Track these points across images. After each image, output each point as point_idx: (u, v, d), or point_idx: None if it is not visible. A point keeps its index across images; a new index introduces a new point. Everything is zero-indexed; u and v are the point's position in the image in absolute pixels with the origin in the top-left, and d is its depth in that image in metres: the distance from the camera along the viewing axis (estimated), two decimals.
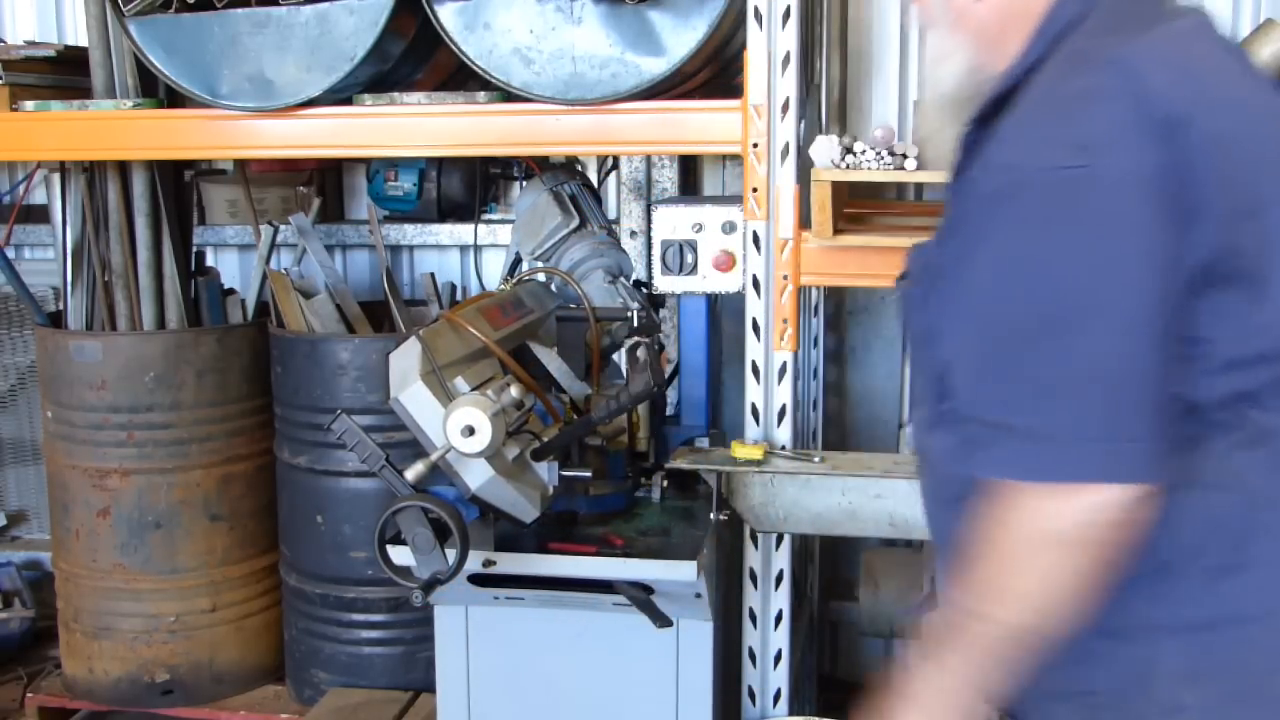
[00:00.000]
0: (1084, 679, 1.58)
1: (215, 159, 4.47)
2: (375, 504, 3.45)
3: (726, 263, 2.99)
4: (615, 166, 4.21)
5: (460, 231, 4.45)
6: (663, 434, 3.07)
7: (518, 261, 3.43)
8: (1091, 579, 1.48)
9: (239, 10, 3.06)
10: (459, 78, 3.37)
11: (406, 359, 2.42)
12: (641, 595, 2.62)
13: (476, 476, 2.37)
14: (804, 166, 2.82)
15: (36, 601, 4.49)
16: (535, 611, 2.79)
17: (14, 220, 4.45)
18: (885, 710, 1.65)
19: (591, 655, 2.80)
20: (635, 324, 2.87)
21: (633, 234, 4.20)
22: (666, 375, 3.34)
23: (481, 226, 4.38)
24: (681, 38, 2.87)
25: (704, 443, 3.00)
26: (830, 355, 4.36)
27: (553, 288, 3.19)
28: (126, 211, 3.67)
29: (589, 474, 2.63)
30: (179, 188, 3.82)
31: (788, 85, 2.83)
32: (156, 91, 3.43)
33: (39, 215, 4.36)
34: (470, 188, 4.42)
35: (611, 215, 4.24)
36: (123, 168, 3.64)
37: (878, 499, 2.72)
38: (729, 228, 2.99)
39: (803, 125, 2.90)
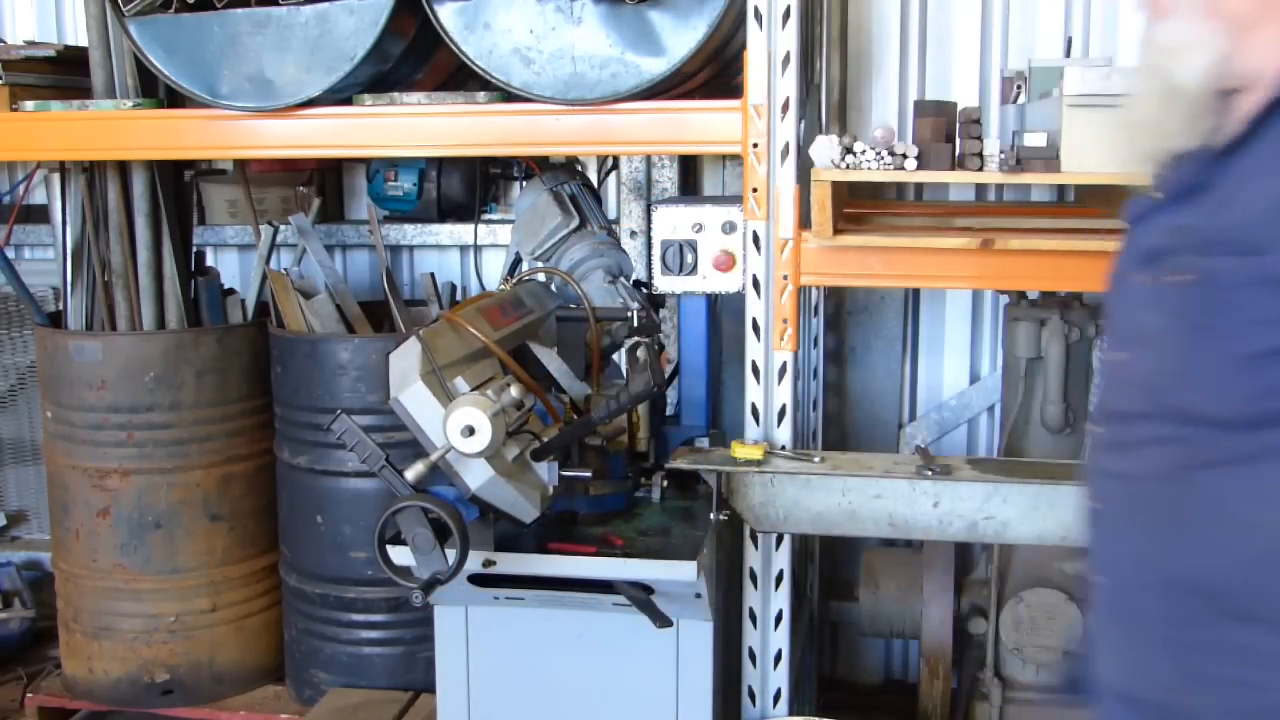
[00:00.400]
0: None
1: (215, 159, 4.47)
2: (375, 504, 3.44)
3: (726, 263, 2.99)
4: (615, 166, 4.21)
5: (460, 231, 4.45)
6: (663, 434, 3.07)
7: (518, 261, 3.43)
8: None
9: (239, 10, 3.06)
10: (459, 78, 3.37)
11: (406, 359, 2.42)
12: (641, 595, 2.62)
13: (476, 476, 2.37)
14: (804, 166, 2.82)
15: (36, 601, 4.49)
16: (535, 611, 2.79)
17: (14, 220, 4.45)
18: None
19: (591, 655, 2.80)
20: (635, 324, 2.87)
21: (633, 234, 4.20)
22: (666, 375, 3.34)
23: (481, 226, 4.38)
24: (681, 38, 2.87)
25: (704, 443, 3.00)
26: (830, 355, 4.36)
27: (553, 288, 3.19)
28: (126, 211, 3.67)
29: (589, 474, 2.63)
30: (179, 188, 3.82)
31: (788, 85, 2.83)
32: (156, 91, 3.43)
33: (39, 215, 4.36)
34: (470, 188, 4.42)
35: (611, 215, 4.24)
36: (123, 168, 3.64)
37: (878, 499, 2.72)
38: (729, 228, 2.99)
39: (803, 125, 2.90)
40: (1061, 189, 4.04)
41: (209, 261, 4.42)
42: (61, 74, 3.56)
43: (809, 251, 2.87)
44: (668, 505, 2.94)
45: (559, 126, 2.99)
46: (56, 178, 3.75)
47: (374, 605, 3.65)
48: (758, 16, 2.81)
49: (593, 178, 3.95)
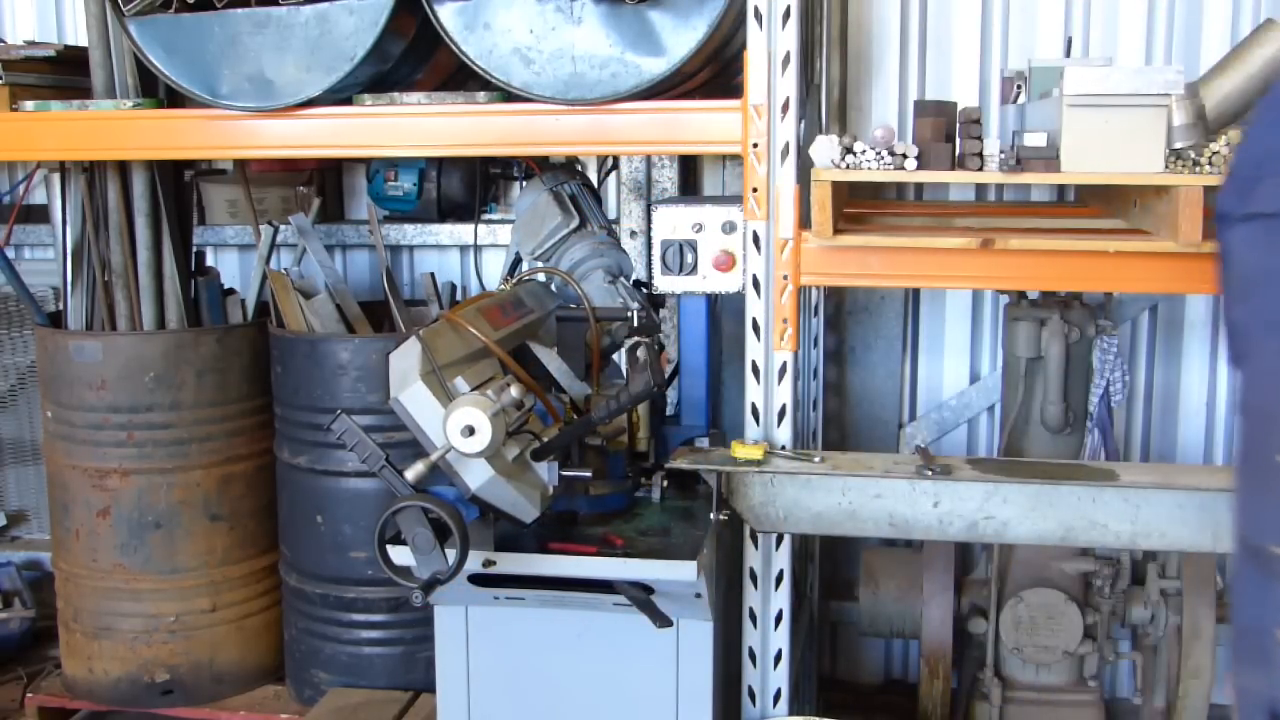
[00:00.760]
0: None
1: (215, 159, 4.47)
2: (375, 504, 3.45)
3: (726, 263, 2.99)
4: (615, 166, 4.21)
5: (460, 231, 4.45)
6: (663, 434, 3.07)
7: (518, 261, 3.43)
8: None
9: (239, 10, 3.06)
10: (459, 78, 3.37)
11: (406, 359, 2.42)
12: (641, 595, 2.62)
13: (476, 476, 2.37)
14: (804, 166, 2.82)
15: (36, 601, 4.50)
16: (535, 611, 2.79)
17: (14, 220, 4.45)
18: None
19: (591, 655, 2.80)
20: (635, 324, 2.87)
21: (633, 234, 4.21)
22: (666, 375, 3.34)
23: (481, 226, 4.38)
24: (681, 38, 2.87)
25: (704, 443, 3.00)
26: (830, 355, 4.36)
27: (553, 288, 3.19)
28: (126, 211, 3.67)
29: (589, 474, 2.63)
30: (179, 188, 3.82)
31: (788, 85, 2.83)
32: (156, 91, 3.43)
33: (39, 215, 4.37)
34: (470, 188, 4.42)
35: (611, 215, 4.24)
36: (123, 168, 3.64)
37: (878, 499, 2.73)
38: (729, 228, 2.99)
39: (803, 125, 2.90)
40: (1061, 189, 4.04)
41: (209, 261, 4.42)
42: (61, 74, 3.56)
43: (809, 251, 2.87)
44: (668, 505, 2.94)
45: (559, 126, 2.99)
46: (56, 178, 3.75)
47: (374, 605, 3.65)
48: (758, 16, 2.81)
49: (593, 178, 3.95)
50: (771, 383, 2.93)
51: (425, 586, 2.30)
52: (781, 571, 2.98)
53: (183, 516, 3.74)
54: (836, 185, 2.78)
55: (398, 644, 3.68)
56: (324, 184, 4.69)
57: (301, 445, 3.66)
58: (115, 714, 3.94)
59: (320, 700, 3.64)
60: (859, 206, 3.65)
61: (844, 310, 4.34)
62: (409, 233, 4.51)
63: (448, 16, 2.97)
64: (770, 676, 3.01)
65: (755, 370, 2.93)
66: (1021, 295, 3.56)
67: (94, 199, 3.67)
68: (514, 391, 2.41)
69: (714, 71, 3.23)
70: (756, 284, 2.91)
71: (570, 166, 3.68)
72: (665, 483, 2.97)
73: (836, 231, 2.82)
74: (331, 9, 3.00)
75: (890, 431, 4.37)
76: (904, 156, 2.74)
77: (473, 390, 2.41)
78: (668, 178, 4.22)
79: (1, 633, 4.37)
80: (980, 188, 4.20)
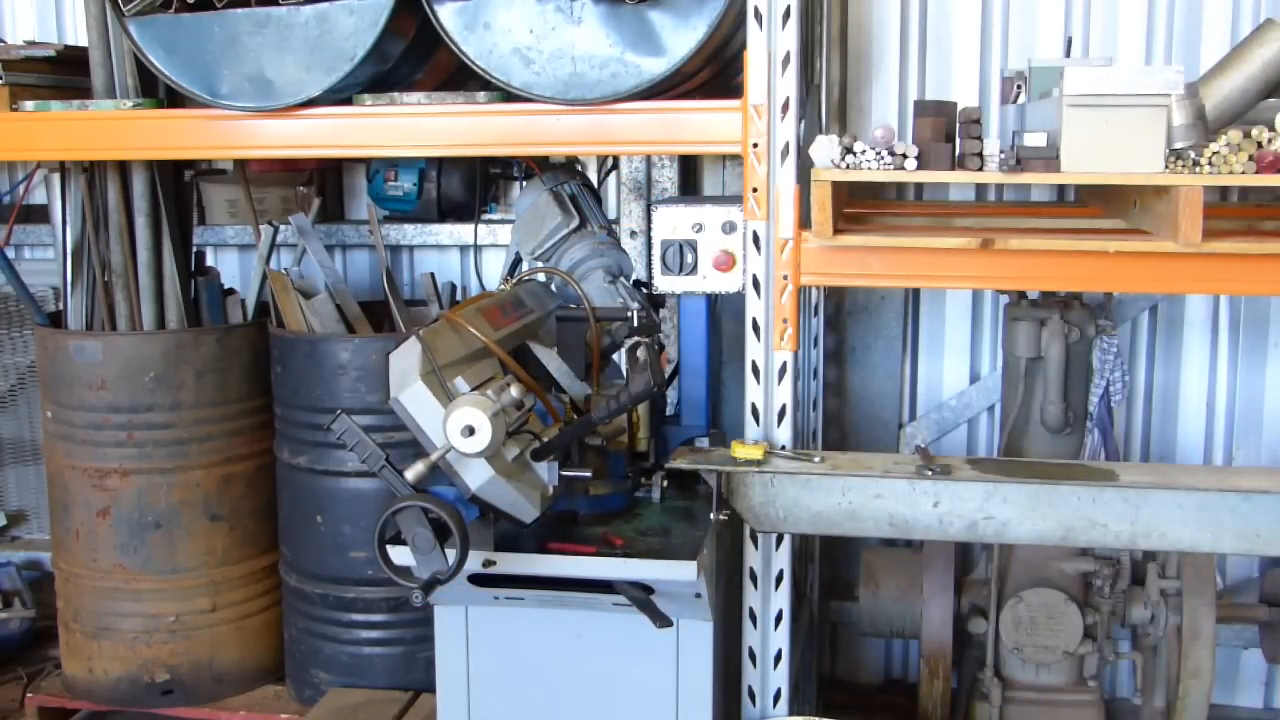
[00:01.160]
0: None
1: (215, 159, 4.47)
2: (375, 504, 3.45)
3: (726, 263, 2.99)
4: (615, 166, 4.21)
5: (460, 231, 4.45)
6: (663, 434, 3.07)
7: (518, 261, 3.43)
8: None
9: (239, 10, 3.06)
10: (459, 78, 3.37)
11: (406, 359, 2.42)
12: (641, 595, 2.62)
13: (476, 476, 2.37)
14: (804, 166, 2.82)
15: (36, 601, 4.50)
16: (535, 611, 2.79)
17: (14, 220, 4.45)
18: None
19: (591, 655, 2.80)
20: (635, 324, 2.87)
21: (633, 234, 4.21)
22: (666, 375, 3.34)
23: (481, 226, 4.38)
24: (681, 38, 2.87)
25: (704, 443, 3.00)
26: (830, 355, 4.36)
27: (553, 288, 3.19)
28: (126, 211, 3.67)
29: (589, 474, 2.63)
30: (179, 188, 3.82)
31: (788, 85, 2.83)
32: (156, 91, 3.43)
33: (39, 215, 4.37)
34: (470, 188, 4.42)
35: (611, 215, 4.24)
36: (123, 168, 3.64)
37: (878, 499, 2.72)
38: (729, 228, 2.99)
39: (803, 125, 2.90)
40: (1061, 189, 4.04)
41: (209, 261, 4.42)
42: (61, 74, 3.56)
43: (809, 251, 2.87)
44: (668, 505, 2.94)
45: (559, 126, 2.99)
46: (56, 178, 3.75)
47: (374, 605, 3.65)
48: (758, 16, 2.81)
49: (593, 178, 3.95)
50: (771, 383, 2.93)
51: (425, 586, 2.30)
52: (781, 571, 2.98)
53: (183, 516, 3.74)
54: (836, 185, 2.78)
55: (398, 644, 3.68)
56: (324, 184, 4.69)
57: (301, 445, 3.66)
58: (115, 714, 3.94)
59: (320, 700, 3.64)
60: (859, 206, 3.65)
61: (844, 310, 4.34)
62: (409, 233, 4.51)
63: (448, 16, 2.97)
64: (770, 676, 3.01)
65: (755, 370, 2.93)
66: (1021, 295, 3.56)
67: (94, 199, 3.67)
68: (514, 391, 2.41)
69: (714, 71, 3.23)
70: (756, 284, 2.91)
71: (570, 166, 3.68)
72: (665, 483, 2.97)
73: (836, 231, 2.82)
74: (331, 9, 3.00)
75: (890, 431, 4.37)
76: (904, 156, 2.74)
77: (473, 390, 2.41)
78: (668, 178, 4.22)
79: (1, 633, 4.37)
80: (980, 188, 4.20)
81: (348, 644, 3.70)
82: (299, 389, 3.64)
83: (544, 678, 2.84)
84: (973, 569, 3.88)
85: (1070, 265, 2.80)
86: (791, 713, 3.03)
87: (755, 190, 2.86)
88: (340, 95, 3.10)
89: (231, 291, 4.04)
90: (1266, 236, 2.80)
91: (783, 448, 2.90)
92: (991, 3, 4.17)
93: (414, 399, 2.38)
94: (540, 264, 3.28)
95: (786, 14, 2.81)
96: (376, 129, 3.10)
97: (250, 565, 3.87)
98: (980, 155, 2.75)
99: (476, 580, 2.65)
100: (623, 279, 3.21)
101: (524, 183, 4.02)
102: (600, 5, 2.87)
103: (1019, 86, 3.26)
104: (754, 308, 2.91)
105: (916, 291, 4.30)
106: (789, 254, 2.87)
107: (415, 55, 3.18)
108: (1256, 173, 2.61)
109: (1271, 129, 2.61)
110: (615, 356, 3.11)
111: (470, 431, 2.27)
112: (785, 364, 2.92)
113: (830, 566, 4.40)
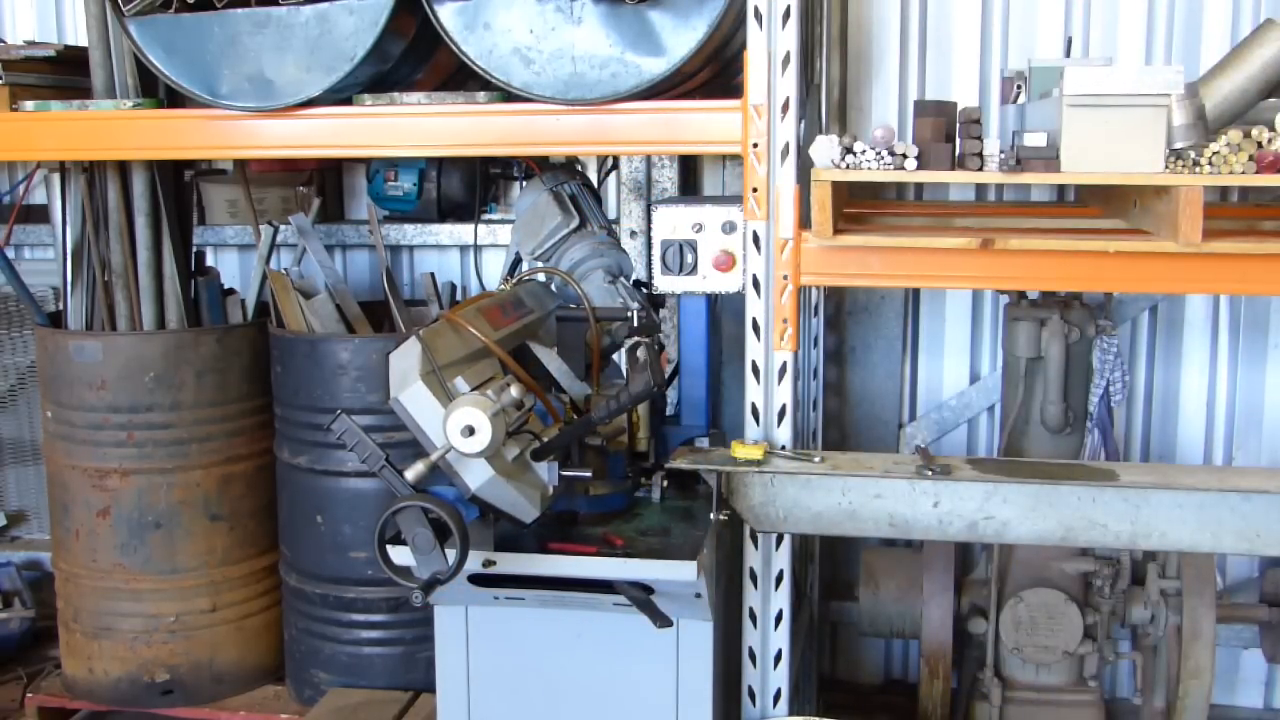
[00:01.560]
0: None
1: (215, 159, 4.47)
2: (375, 504, 3.45)
3: (726, 263, 2.99)
4: (615, 166, 4.21)
5: (460, 231, 4.45)
6: (663, 434, 3.07)
7: (518, 261, 3.43)
8: None
9: (239, 10, 3.06)
10: (459, 78, 3.37)
11: (406, 359, 2.42)
12: (641, 595, 2.62)
13: (476, 476, 2.37)
14: (804, 166, 2.82)
15: (36, 601, 4.50)
16: (535, 611, 2.79)
17: (14, 220, 4.45)
18: None
19: (591, 655, 2.80)
20: (635, 324, 2.87)
21: (633, 234, 4.21)
22: (666, 375, 3.34)
23: (481, 226, 4.38)
24: (681, 38, 2.87)
25: (704, 443, 3.00)
26: (830, 355, 4.36)
27: (553, 288, 3.19)
28: (126, 211, 3.67)
29: (589, 474, 2.63)
30: (179, 188, 3.82)
31: (788, 85, 2.83)
32: (156, 91, 3.43)
33: (39, 215, 4.37)
34: (470, 188, 4.42)
35: (611, 215, 4.24)
36: (123, 168, 3.64)
37: (878, 499, 2.72)
38: (729, 228, 2.99)
39: (803, 125, 2.90)
40: (1061, 189, 4.04)
41: (209, 261, 4.42)
42: (61, 74, 3.56)
43: (809, 251, 2.87)
44: (668, 505, 2.94)
45: (559, 126, 2.99)
46: (56, 178, 3.75)
47: (374, 605, 3.65)
48: (758, 16, 2.81)
49: (593, 178, 3.95)
50: (771, 383, 2.93)
51: (425, 586, 2.30)
52: (781, 571, 2.98)
53: (183, 516, 3.74)
54: (836, 185, 2.78)
55: (398, 644, 3.68)
56: (324, 184, 4.69)
57: (301, 445, 3.66)
58: (115, 714, 3.94)
59: (320, 700, 3.64)
60: (859, 206, 3.65)
61: (844, 310, 4.34)
62: (409, 233, 4.51)
63: (448, 16, 2.97)
64: (770, 676, 3.01)
65: (755, 370, 2.93)
66: (1021, 295, 3.56)
67: (94, 199, 3.67)
68: (514, 391, 2.41)
69: (714, 71, 3.23)
70: (756, 284, 2.91)
71: (570, 166, 3.68)
72: (665, 483, 2.97)
73: (836, 231, 2.82)
74: (331, 9, 3.00)
75: (890, 431, 4.37)
76: (904, 156, 2.74)
77: (473, 390, 2.41)
78: (668, 178, 4.22)
79: (1, 633, 4.37)
80: (980, 188, 4.20)
81: (348, 644, 3.70)
82: (299, 389, 3.64)
83: (544, 678, 2.84)
84: (973, 569, 3.88)
85: (1070, 265, 2.80)
86: (791, 713, 3.03)
87: (755, 190, 2.86)
88: (340, 95, 3.10)
89: (231, 291, 4.04)
90: (1266, 236, 2.80)
91: (783, 448, 2.90)
92: (991, 3, 4.17)
93: (414, 399, 2.38)
94: (540, 264, 3.28)
95: (786, 14, 2.81)
96: (376, 129, 3.10)
97: (250, 565, 3.87)
98: (980, 155, 2.75)
99: (476, 580, 2.65)
100: (623, 279, 3.21)
101: (524, 183, 4.02)
102: (600, 5, 2.87)
103: (1019, 86, 3.26)
104: (754, 308, 2.91)
105: (916, 291, 4.30)
106: (789, 254, 2.87)
107: (415, 55, 3.18)
108: (1256, 173, 2.61)
109: (1271, 129, 2.61)
110: (615, 356, 3.11)
111: (470, 431, 2.27)
112: (785, 364, 2.92)
113: (830, 566, 4.40)
